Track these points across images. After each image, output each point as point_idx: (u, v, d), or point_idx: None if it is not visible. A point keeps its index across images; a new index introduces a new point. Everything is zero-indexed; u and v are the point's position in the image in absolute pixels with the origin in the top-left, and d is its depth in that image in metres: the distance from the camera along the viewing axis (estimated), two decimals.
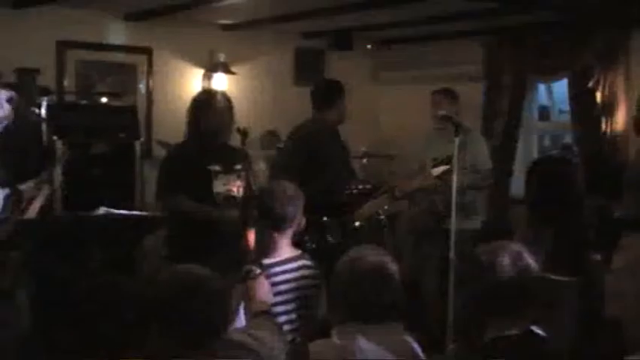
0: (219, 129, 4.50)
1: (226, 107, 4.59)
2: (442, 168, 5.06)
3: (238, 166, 4.55)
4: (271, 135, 6.92)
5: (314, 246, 4.69)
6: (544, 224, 3.68)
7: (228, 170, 4.51)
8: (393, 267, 2.71)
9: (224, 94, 4.73)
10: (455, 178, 4.29)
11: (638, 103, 4.54)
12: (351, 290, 2.65)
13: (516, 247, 2.44)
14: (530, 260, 2.41)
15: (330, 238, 4.86)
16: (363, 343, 2.49)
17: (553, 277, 2.45)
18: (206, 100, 4.58)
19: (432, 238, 5.38)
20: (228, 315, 2.41)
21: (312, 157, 5.07)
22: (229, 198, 4.52)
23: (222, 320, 2.27)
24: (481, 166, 5.52)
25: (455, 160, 4.35)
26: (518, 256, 2.40)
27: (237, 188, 4.56)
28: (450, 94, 5.59)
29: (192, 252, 4.35)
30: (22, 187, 4.17)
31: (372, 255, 2.73)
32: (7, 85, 4.31)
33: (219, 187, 4.48)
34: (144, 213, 5.17)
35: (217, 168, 4.48)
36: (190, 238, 4.38)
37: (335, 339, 2.62)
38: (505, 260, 2.38)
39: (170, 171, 4.54)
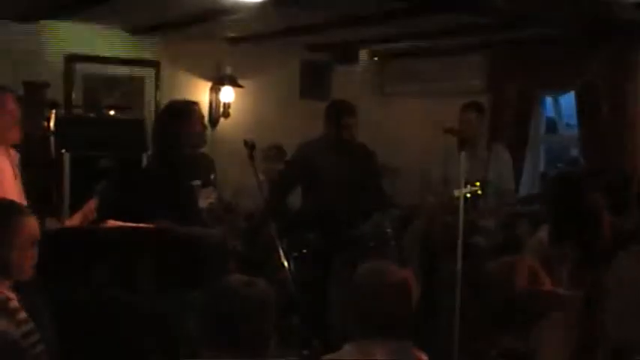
0: (199, 139, 4.35)
1: (201, 115, 4.46)
2: (469, 189, 4.67)
3: (212, 176, 4.41)
4: (276, 149, 6.91)
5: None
6: (565, 240, 3.64)
7: (206, 183, 4.34)
8: (414, 282, 2.65)
9: (195, 103, 4.59)
10: (462, 193, 4.26)
11: None
12: (373, 304, 2.58)
13: (528, 262, 2.44)
14: (541, 275, 2.40)
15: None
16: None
17: (561, 292, 2.44)
18: (185, 109, 4.39)
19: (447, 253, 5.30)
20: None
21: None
22: (210, 211, 4.33)
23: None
24: (504, 185, 5.39)
25: (461, 176, 4.32)
26: (530, 271, 2.40)
27: (215, 200, 4.37)
28: (478, 108, 5.46)
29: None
30: None
31: (394, 269, 2.66)
32: (16, 99, 4.30)
33: (202, 203, 4.29)
34: (151, 226, 5.15)
35: (198, 182, 4.29)
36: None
37: (348, 354, 2.57)
38: (517, 275, 2.38)
39: (152, 190, 4.26)
